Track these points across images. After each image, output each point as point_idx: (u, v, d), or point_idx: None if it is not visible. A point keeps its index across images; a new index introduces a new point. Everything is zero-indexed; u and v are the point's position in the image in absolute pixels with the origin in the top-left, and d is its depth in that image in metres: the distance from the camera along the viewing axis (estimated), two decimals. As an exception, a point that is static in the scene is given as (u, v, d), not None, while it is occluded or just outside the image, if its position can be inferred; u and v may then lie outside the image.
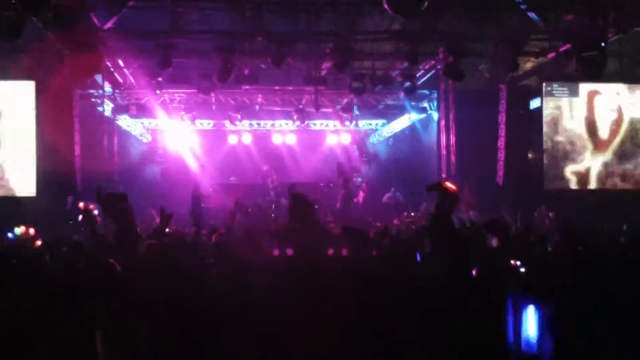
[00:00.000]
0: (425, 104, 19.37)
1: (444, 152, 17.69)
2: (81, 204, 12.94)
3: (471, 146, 16.72)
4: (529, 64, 16.16)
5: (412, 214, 17.14)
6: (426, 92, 18.58)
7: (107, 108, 18.13)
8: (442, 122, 17.72)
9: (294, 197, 6.30)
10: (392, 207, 19.15)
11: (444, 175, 17.62)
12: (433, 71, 16.61)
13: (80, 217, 12.69)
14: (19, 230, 11.44)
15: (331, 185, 19.55)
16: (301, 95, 18.96)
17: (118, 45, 14.34)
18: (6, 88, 14.83)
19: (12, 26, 10.14)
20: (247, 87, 17.18)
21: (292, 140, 21.86)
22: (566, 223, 7.20)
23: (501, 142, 16.83)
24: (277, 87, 18.30)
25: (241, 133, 21.49)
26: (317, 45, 14.52)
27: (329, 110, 20.05)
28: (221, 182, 20.38)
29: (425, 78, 17.21)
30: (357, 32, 13.56)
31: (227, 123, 20.63)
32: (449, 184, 4.74)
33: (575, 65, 13.45)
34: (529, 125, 16.89)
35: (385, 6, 9.76)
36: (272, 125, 21.68)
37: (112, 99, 18.23)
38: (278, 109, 20.23)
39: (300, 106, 19.19)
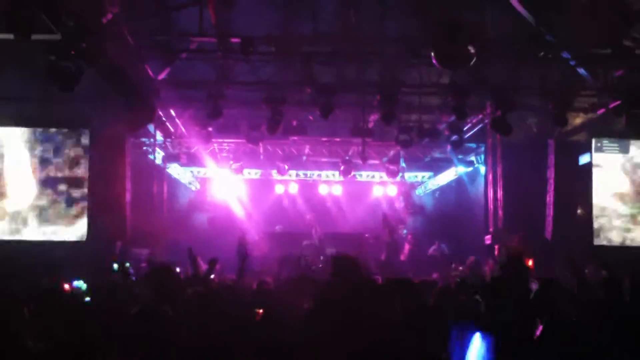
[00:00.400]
0: (472, 157, 19.28)
1: (491, 206, 17.49)
2: (115, 265, 13.25)
3: (519, 200, 16.53)
4: (578, 119, 15.99)
5: (460, 267, 16.89)
6: (473, 145, 18.52)
7: (158, 156, 18.50)
8: (490, 176, 17.56)
9: (335, 260, 6.21)
10: (437, 259, 18.94)
11: (490, 229, 17.39)
12: (480, 125, 16.53)
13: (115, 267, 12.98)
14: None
15: (375, 238, 19.52)
16: (348, 146, 19.03)
17: (170, 96, 14.68)
18: (60, 136, 15.28)
19: (68, 77, 10.43)
20: (295, 137, 17.34)
21: (338, 190, 21.94)
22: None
23: (550, 198, 16.58)
24: (324, 139, 18.44)
25: (288, 183, 21.63)
26: (365, 97, 14.62)
27: (376, 162, 20.08)
28: (267, 230, 20.51)
29: (472, 132, 17.14)
30: (404, 85, 13.61)
31: (274, 173, 20.79)
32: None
33: (625, 122, 13.26)
34: (578, 181, 16.62)
35: (434, 60, 9.80)
36: (319, 175, 21.80)
37: (163, 147, 18.63)
38: (325, 159, 20.34)
39: (347, 157, 19.26)
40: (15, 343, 4.24)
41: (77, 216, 15.29)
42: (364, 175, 21.89)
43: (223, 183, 21.49)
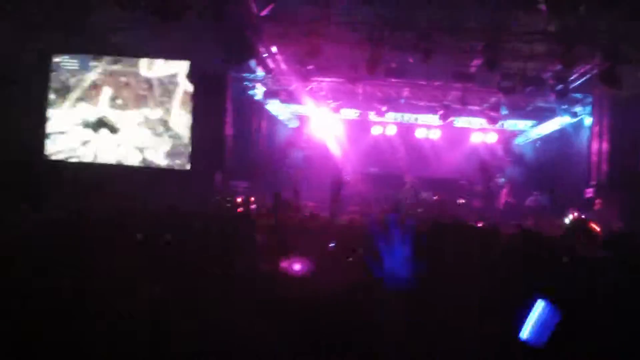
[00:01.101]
0: (578, 108, 18.57)
1: (594, 158, 16.92)
2: None
3: (624, 155, 15.92)
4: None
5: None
6: (579, 96, 17.79)
7: (258, 92, 18.76)
8: (596, 128, 16.94)
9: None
10: (535, 210, 18.57)
11: (593, 183, 16.87)
12: (588, 75, 15.83)
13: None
14: None
15: (470, 184, 19.35)
16: (448, 91, 18.66)
17: (272, 32, 14.77)
18: (167, 66, 15.73)
19: (173, 9, 10.70)
20: (394, 80, 17.13)
21: (435, 135, 21.66)
22: None
23: (657, 152, 15.87)
24: (423, 82, 18.13)
25: (385, 125, 21.53)
26: (468, 41, 14.25)
27: (476, 108, 19.66)
28: (362, 170, 20.63)
29: (579, 82, 16.45)
30: (510, 32, 13.16)
31: (371, 114, 20.72)
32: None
33: None
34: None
35: (543, 7, 9.45)
36: (417, 119, 21.57)
37: (264, 83, 18.85)
38: (423, 103, 20.07)
39: (446, 102, 18.93)
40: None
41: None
42: (462, 121, 21.44)
43: (320, 122, 21.63)
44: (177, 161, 15.91)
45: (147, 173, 15.54)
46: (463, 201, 19.66)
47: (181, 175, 15.66)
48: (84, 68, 15.90)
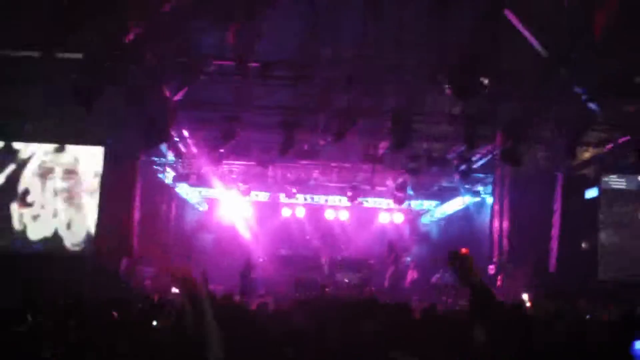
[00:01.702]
0: (480, 188, 19.41)
1: (496, 236, 17.60)
2: None
3: (524, 232, 16.64)
4: (586, 154, 16.14)
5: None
6: (481, 175, 18.62)
7: (168, 176, 18.64)
8: (496, 206, 17.69)
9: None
10: (440, 287, 19.02)
11: (494, 259, 17.49)
12: (490, 155, 16.64)
13: None
14: None
15: (379, 264, 19.68)
16: (357, 172, 19.12)
17: (184, 116, 14.83)
18: (79, 152, 15.47)
19: (89, 95, 10.63)
20: (305, 162, 17.46)
21: (344, 216, 22.05)
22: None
23: (555, 231, 16.65)
24: (334, 164, 18.53)
25: (295, 206, 21.75)
26: (378, 124, 14.71)
27: (383, 188, 20.20)
28: (273, 252, 20.61)
29: (481, 162, 17.25)
30: (417, 113, 13.75)
31: (282, 196, 20.90)
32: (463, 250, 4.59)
33: (634, 158, 13.41)
34: (585, 214, 16.70)
35: (448, 90, 9.99)
36: (326, 200, 21.92)
37: (174, 167, 18.76)
38: (333, 184, 20.46)
39: (355, 183, 19.37)
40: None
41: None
42: (370, 202, 21.99)
43: (230, 204, 21.62)
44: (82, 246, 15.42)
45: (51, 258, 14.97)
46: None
47: (84, 261, 15.15)
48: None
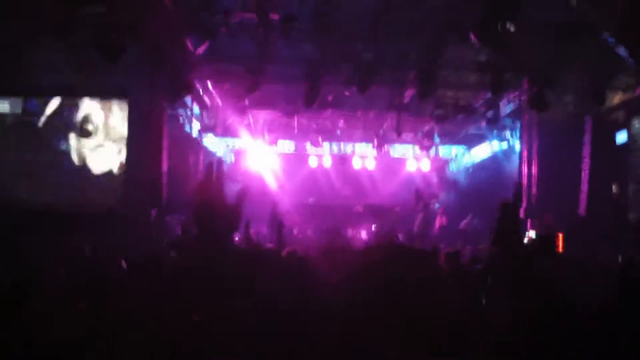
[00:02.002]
0: (508, 134, 19.25)
1: (525, 182, 17.52)
2: None
3: (553, 178, 16.54)
4: (616, 98, 15.88)
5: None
6: (509, 121, 18.48)
7: (194, 128, 18.76)
8: (525, 153, 17.56)
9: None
10: (469, 233, 19.08)
11: (524, 205, 17.46)
12: (517, 101, 16.48)
13: None
14: None
15: (406, 211, 19.76)
16: (382, 120, 19.10)
17: (208, 69, 14.88)
18: (102, 105, 15.57)
19: (113, 49, 10.69)
20: (330, 111, 17.45)
21: (371, 164, 22.04)
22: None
23: (585, 175, 16.55)
24: (359, 112, 18.52)
25: (322, 156, 21.79)
26: (401, 73, 14.65)
27: (410, 136, 20.14)
28: (300, 202, 20.75)
29: (508, 108, 17.09)
30: (441, 63, 13.62)
31: (308, 145, 20.94)
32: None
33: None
34: (615, 159, 16.52)
35: (472, 38, 9.85)
36: (353, 149, 21.92)
37: (200, 119, 18.87)
38: (359, 133, 20.46)
39: (381, 131, 19.33)
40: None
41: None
42: (397, 150, 21.95)
43: (257, 155, 21.72)
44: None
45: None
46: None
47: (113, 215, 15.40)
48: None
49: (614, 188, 16.93)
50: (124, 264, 5.39)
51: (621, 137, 16.38)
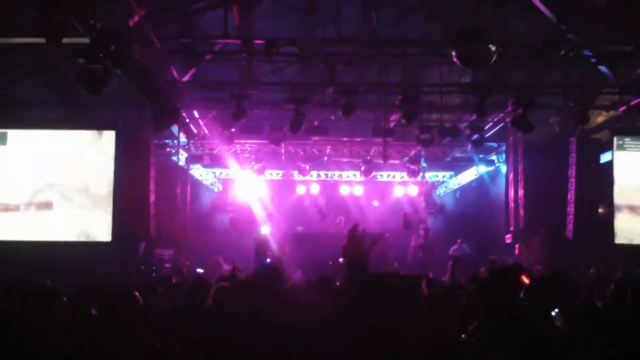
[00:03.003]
0: (494, 157, 19.32)
1: (512, 205, 17.55)
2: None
3: (540, 199, 16.58)
4: (600, 118, 16.00)
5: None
6: (494, 144, 18.56)
7: (182, 158, 18.70)
8: (511, 175, 17.62)
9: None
10: (457, 259, 19.01)
11: (511, 229, 17.44)
12: (502, 124, 16.55)
13: None
14: None
15: (394, 237, 19.68)
16: (369, 146, 19.12)
17: (194, 97, 14.89)
18: (88, 136, 15.47)
19: (97, 79, 10.61)
20: (317, 138, 17.47)
21: (359, 191, 22.03)
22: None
23: (571, 196, 16.60)
24: (345, 139, 18.57)
25: (309, 183, 21.76)
26: (386, 97, 14.71)
27: (397, 161, 20.14)
28: (288, 231, 20.62)
29: (493, 130, 17.17)
30: (426, 84, 13.72)
31: (295, 173, 20.90)
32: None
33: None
34: (600, 179, 16.58)
35: (454, 59, 9.90)
36: (340, 175, 21.93)
37: (187, 149, 18.83)
38: (346, 160, 20.45)
39: (368, 157, 19.32)
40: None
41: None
42: (384, 175, 21.96)
43: (244, 184, 21.65)
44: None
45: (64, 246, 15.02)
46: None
47: (102, 247, 15.23)
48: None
49: (600, 209, 16.98)
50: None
51: (606, 156, 16.48)
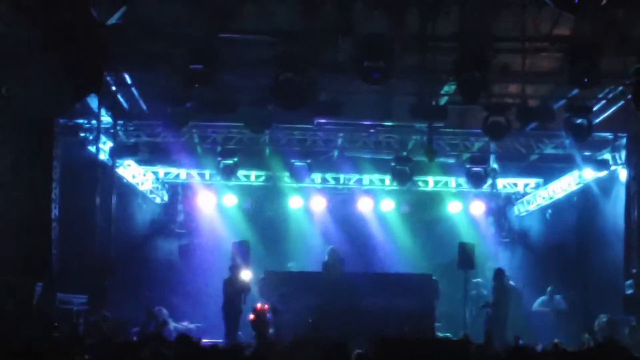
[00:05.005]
0: (607, 155, 19.25)
1: (637, 231, 17.53)
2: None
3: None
4: None
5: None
6: (608, 135, 18.48)
7: (104, 149, 18.58)
8: (634, 184, 17.60)
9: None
10: (548, 317, 19.11)
11: (633, 270, 17.48)
12: (620, 102, 16.47)
13: None
14: None
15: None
16: (406, 135, 19.08)
17: (125, 52, 14.83)
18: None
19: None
20: (323, 120, 17.29)
21: (388, 206, 22.02)
22: None
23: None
24: (367, 122, 18.47)
25: (309, 193, 21.75)
26: (434, 58, 14.64)
27: (451, 161, 20.15)
28: (273, 269, 20.59)
29: (607, 113, 17.14)
30: (498, 38, 13.73)
31: (285, 177, 20.88)
32: None
33: None
34: None
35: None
36: (358, 181, 21.86)
37: (112, 134, 18.58)
38: (368, 156, 20.32)
39: (404, 153, 19.25)
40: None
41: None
42: (430, 182, 21.93)
43: (205, 192, 21.73)
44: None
45: None
46: None
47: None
48: None
49: None
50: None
51: None
